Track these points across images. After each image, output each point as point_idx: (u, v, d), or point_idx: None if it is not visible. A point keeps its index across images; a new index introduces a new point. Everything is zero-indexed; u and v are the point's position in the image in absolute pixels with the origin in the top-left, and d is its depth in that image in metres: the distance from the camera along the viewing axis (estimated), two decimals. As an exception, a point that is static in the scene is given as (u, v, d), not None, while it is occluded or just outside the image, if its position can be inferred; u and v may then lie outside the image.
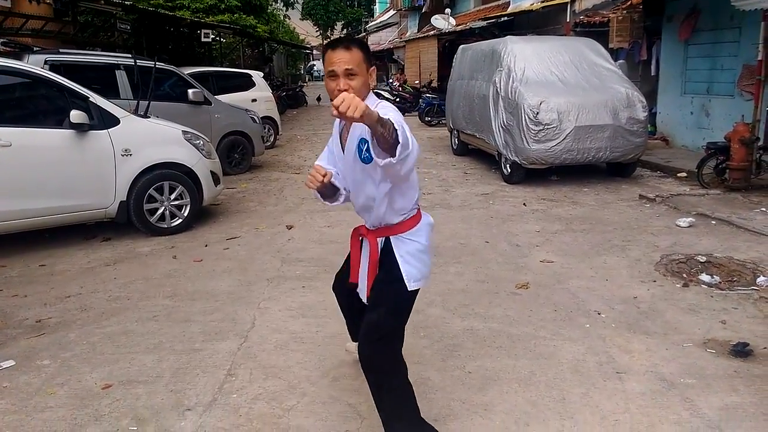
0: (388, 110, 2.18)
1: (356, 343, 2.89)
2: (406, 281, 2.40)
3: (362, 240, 2.57)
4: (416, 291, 2.46)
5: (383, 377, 2.45)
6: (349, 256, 2.72)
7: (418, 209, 2.52)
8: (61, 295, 4.52)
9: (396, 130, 1.96)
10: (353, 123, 2.14)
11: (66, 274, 5.02)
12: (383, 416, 2.49)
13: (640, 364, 3.33)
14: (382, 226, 2.45)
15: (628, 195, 7.62)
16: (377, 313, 2.40)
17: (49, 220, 5.50)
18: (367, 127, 1.93)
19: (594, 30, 12.09)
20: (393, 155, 1.97)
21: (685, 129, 10.68)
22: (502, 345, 3.60)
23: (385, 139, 1.94)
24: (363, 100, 2.10)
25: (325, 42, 2.97)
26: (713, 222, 6.14)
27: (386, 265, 2.44)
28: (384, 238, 2.45)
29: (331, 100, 2.00)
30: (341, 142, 2.42)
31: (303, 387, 3.17)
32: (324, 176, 2.21)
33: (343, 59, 2.18)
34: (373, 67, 2.33)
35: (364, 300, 2.56)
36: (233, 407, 2.98)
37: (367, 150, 2.16)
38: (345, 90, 2.15)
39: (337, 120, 2.42)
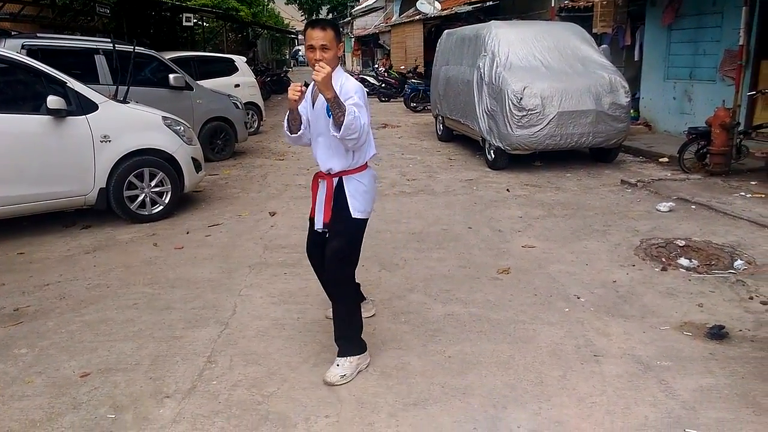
0: (351, 92, 2.89)
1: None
2: (351, 212, 3.06)
3: (320, 183, 3.18)
4: (364, 220, 3.14)
5: (343, 291, 3.14)
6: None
7: (366, 163, 3.16)
8: (39, 283, 4.47)
9: (345, 115, 2.70)
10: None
11: (45, 262, 4.96)
12: (337, 321, 3.19)
13: (618, 347, 3.37)
14: (336, 171, 3.07)
15: (610, 180, 7.67)
16: (336, 241, 3.08)
17: (27, 207, 5.43)
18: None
19: (578, 15, 12.10)
20: (340, 132, 2.75)
21: (667, 114, 10.75)
22: (482, 330, 3.63)
23: (337, 116, 2.72)
24: (333, 68, 2.82)
25: (306, 21, 3.46)
26: (693, 207, 6.21)
27: (339, 201, 3.08)
28: (338, 178, 3.09)
29: (310, 66, 2.80)
30: (312, 100, 3.08)
31: (283, 373, 3.18)
32: (301, 89, 2.83)
33: (319, 36, 2.85)
34: (342, 43, 2.99)
35: (320, 226, 3.16)
36: (213, 394, 2.98)
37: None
38: (320, 60, 2.81)
39: (311, 85, 3.04)
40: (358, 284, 3.47)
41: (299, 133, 3.10)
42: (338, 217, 3.08)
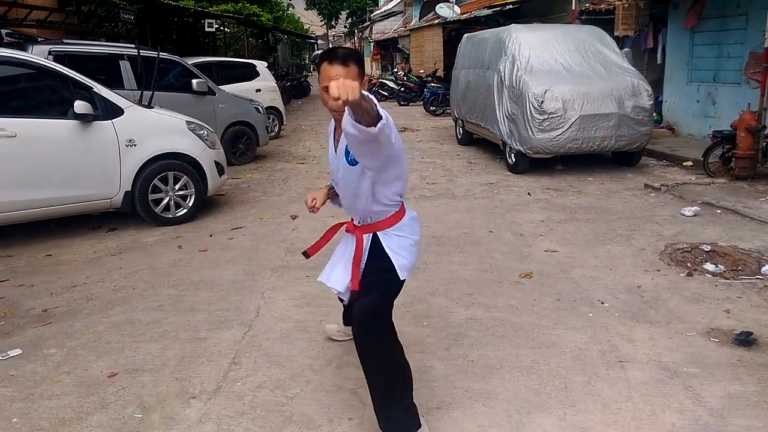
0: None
1: (334, 325, 3.56)
2: (398, 271, 2.52)
3: (348, 238, 2.71)
4: (404, 280, 2.58)
5: (380, 356, 2.50)
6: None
7: (402, 204, 2.59)
8: (67, 285, 4.55)
9: (375, 105, 2.01)
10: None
11: (72, 263, 5.05)
12: (375, 398, 2.55)
13: (643, 353, 3.34)
14: (369, 222, 2.56)
15: (633, 184, 7.59)
16: (370, 298, 2.50)
17: (54, 210, 5.53)
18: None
19: (599, 18, 12.00)
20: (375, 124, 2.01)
21: (691, 117, 10.61)
22: (504, 334, 3.61)
23: (368, 112, 1.97)
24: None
25: (320, 52, 2.84)
26: (718, 211, 6.12)
27: (377, 256, 2.55)
28: (371, 234, 2.56)
29: (327, 110, 2.29)
30: (335, 143, 2.56)
31: (307, 375, 3.19)
32: (313, 206, 2.63)
33: (340, 75, 2.21)
34: (366, 77, 2.41)
35: (340, 290, 2.71)
36: (237, 395, 3.01)
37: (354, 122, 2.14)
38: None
39: (331, 123, 2.58)
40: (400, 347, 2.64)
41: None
42: (378, 274, 2.54)
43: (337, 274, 2.71)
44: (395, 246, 2.54)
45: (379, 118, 2.01)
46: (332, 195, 2.80)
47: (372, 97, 2.06)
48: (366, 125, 2.00)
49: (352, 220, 2.68)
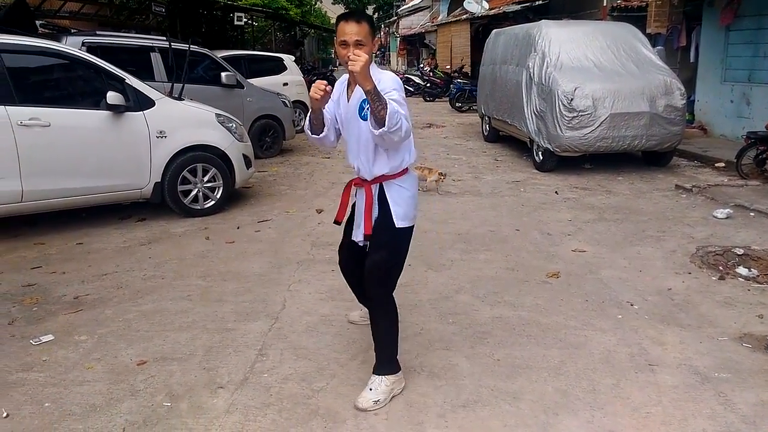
0: (389, 87, 2.60)
1: (357, 312, 3.66)
2: (394, 218, 2.81)
3: (356, 191, 2.97)
4: (409, 229, 2.89)
5: (385, 308, 2.90)
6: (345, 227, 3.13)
7: (407, 168, 2.89)
8: (97, 273, 4.63)
9: (386, 107, 2.42)
10: (356, 84, 2.58)
11: (102, 252, 5.13)
12: (380, 340, 2.94)
13: (673, 357, 3.28)
14: (375, 176, 2.83)
15: (664, 185, 7.46)
16: (378, 254, 2.82)
17: (86, 199, 5.62)
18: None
19: (631, 15, 11.80)
20: (384, 126, 2.44)
21: (724, 118, 10.38)
22: (531, 334, 3.58)
23: (377, 110, 2.43)
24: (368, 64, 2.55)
25: (339, 15, 3.13)
26: (752, 214, 5.99)
27: (380, 210, 2.84)
28: (378, 185, 2.84)
29: (343, 64, 2.56)
30: (347, 94, 2.85)
31: (332, 369, 3.21)
32: (325, 89, 2.59)
33: (353, 31, 2.58)
34: (377, 38, 2.73)
35: (360, 238, 2.92)
36: (264, 386, 3.03)
37: (368, 110, 2.53)
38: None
39: (344, 78, 2.88)
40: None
41: (322, 135, 2.88)
42: (380, 228, 2.83)
43: (357, 229, 2.95)
44: (396, 195, 2.83)
45: (383, 117, 2.43)
46: (317, 122, 2.83)
47: (393, 94, 2.55)
48: (376, 118, 2.46)
49: (357, 178, 2.93)
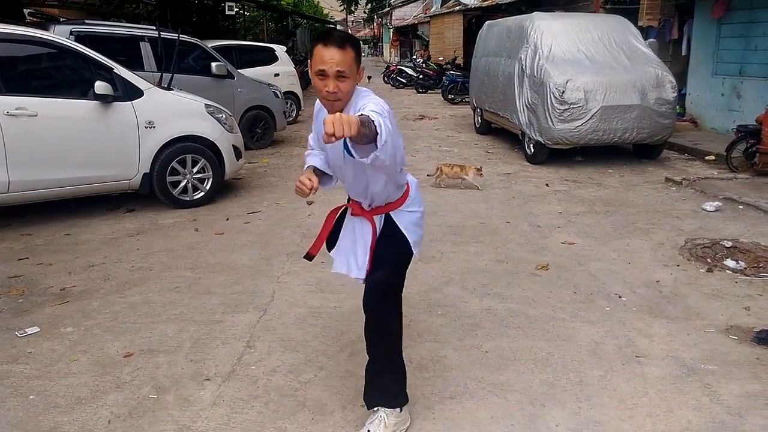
0: (367, 102, 2.15)
1: None
2: (412, 247, 2.55)
3: (353, 220, 2.62)
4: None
5: (390, 335, 2.52)
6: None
7: (407, 183, 2.60)
8: (85, 265, 4.60)
9: (375, 126, 1.92)
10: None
11: (90, 243, 5.10)
12: (376, 367, 2.57)
13: (660, 349, 3.30)
14: (381, 204, 2.53)
15: (654, 177, 7.48)
16: (383, 273, 2.46)
17: (73, 190, 5.57)
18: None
19: (624, 7, 11.78)
20: (375, 146, 1.94)
21: (714, 111, 10.42)
22: (520, 325, 3.59)
23: (367, 137, 1.89)
24: (350, 100, 2.19)
25: (316, 34, 2.58)
26: (740, 207, 6.01)
27: (389, 233, 2.53)
28: (383, 215, 2.55)
29: (319, 97, 2.21)
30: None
31: (320, 361, 3.20)
32: (311, 188, 2.21)
33: (335, 59, 2.10)
34: (362, 67, 2.26)
35: (360, 276, 2.59)
36: (252, 378, 3.02)
37: (352, 145, 2.00)
38: (334, 92, 2.14)
39: (318, 106, 2.42)
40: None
41: (335, 181, 2.61)
42: (390, 249, 2.52)
43: (360, 262, 2.59)
44: (407, 223, 2.56)
45: (376, 141, 1.92)
46: (320, 178, 2.50)
47: (371, 115, 1.96)
48: (368, 142, 1.92)
49: (353, 202, 2.61)
